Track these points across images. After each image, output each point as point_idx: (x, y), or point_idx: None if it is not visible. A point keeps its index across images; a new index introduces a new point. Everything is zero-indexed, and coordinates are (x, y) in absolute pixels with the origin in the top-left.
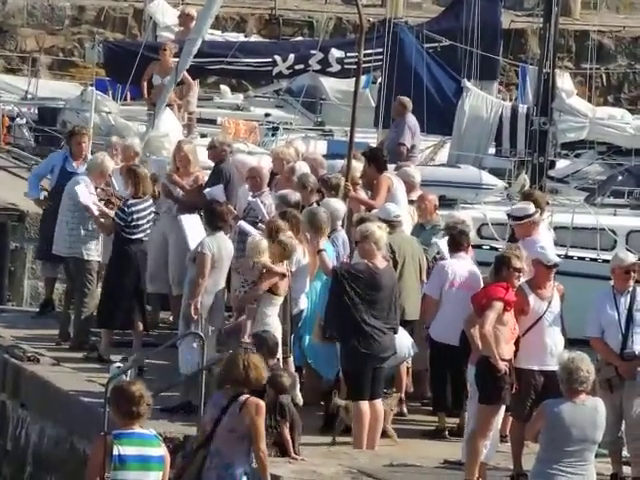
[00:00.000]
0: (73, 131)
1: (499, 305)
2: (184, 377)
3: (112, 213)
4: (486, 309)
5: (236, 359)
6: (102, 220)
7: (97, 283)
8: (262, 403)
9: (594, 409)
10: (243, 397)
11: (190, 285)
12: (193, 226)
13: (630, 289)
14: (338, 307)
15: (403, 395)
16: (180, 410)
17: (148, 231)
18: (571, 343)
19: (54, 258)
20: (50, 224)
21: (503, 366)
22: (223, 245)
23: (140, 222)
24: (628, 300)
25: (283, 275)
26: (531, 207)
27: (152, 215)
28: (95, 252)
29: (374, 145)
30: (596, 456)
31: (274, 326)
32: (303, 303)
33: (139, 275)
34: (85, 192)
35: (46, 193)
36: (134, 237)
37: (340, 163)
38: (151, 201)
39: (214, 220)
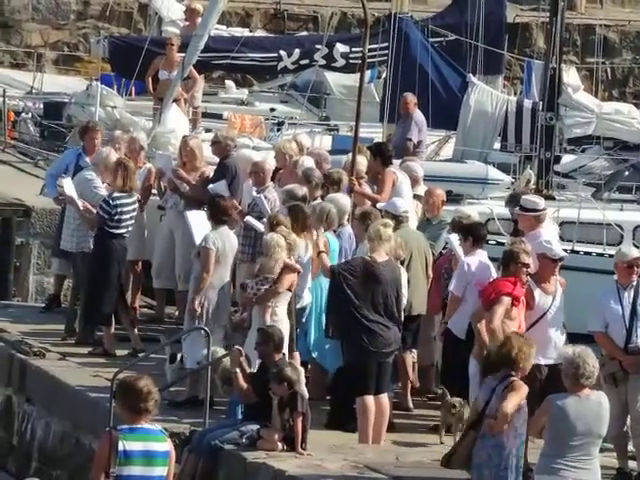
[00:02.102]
0: (87, 126)
1: (507, 300)
2: (190, 372)
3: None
4: (494, 304)
5: (510, 342)
6: (87, 214)
7: None
8: (525, 387)
9: (598, 403)
10: (511, 379)
11: (195, 280)
12: (198, 222)
13: (634, 284)
14: (339, 305)
15: (408, 390)
16: (187, 405)
17: (130, 228)
18: (577, 338)
19: (69, 255)
20: None
21: None
22: (227, 239)
23: (123, 217)
24: (632, 295)
25: (299, 272)
26: (541, 203)
27: (135, 212)
28: None
29: (379, 140)
30: (602, 450)
31: (284, 321)
32: (307, 298)
33: (120, 270)
34: (70, 185)
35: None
36: (117, 232)
37: (345, 158)
38: (135, 198)
39: (218, 214)
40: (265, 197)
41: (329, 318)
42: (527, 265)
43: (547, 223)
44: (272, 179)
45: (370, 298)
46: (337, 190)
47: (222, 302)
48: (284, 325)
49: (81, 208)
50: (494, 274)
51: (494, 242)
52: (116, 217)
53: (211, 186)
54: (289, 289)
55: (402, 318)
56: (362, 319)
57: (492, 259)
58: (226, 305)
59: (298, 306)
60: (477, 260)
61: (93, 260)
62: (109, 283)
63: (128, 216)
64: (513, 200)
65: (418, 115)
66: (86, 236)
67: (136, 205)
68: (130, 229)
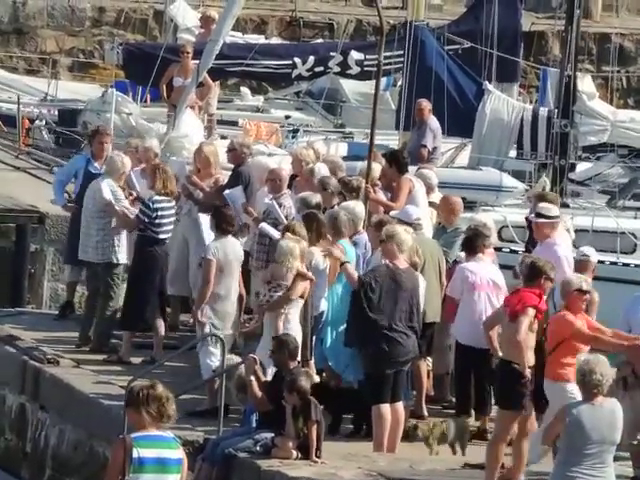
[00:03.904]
0: (97, 130)
1: (533, 312)
2: (204, 381)
3: (134, 209)
4: (520, 315)
5: None
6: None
7: (121, 285)
8: None
9: (612, 411)
10: None
11: (197, 291)
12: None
13: None
14: (362, 313)
15: (423, 397)
16: (208, 415)
17: (170, 233)
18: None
19: (81, 263)
20: (79, 229)
21: (528, 373)
22: (230, 249)
23: (164, 221)
24: None
25: (312, 280)
26: (555, 209)
27: (173, 218)
28: (124, 255)
29: (395, 147)
30: (617, 459)
31: (295, 329)
32: (322, 306)
33: (162, 277)
34: (107, 188)
35: (72, 197)
36: (159, 237)
37: (359, 165)
38: (174, 203)
39: (220, 223)
40: (280, 204)
41: (350, 327)
42: (552, 280)
43: (560, 230)
44: (288, 186)
45: (393, 304)
46: (356, 197)
47: (230, 311)
48: (296, 333)
49: (119, 210)
50: (498, 279)
51: (508, 250)
52: (156, 221)
53: (227, 192)
54: (301, 296)
55: (420, 327)
56: (385, 328)
57: (505, 267)
58: (234, 314)
59: (314, 314)
60: (480, 265)
61: (135, 267)
62: (151, 290)
63: (168, 220)
64: (541, 199)
65: (433, 122)
66: (110, 247)
67: (174, 210)
68: (170, 234)
